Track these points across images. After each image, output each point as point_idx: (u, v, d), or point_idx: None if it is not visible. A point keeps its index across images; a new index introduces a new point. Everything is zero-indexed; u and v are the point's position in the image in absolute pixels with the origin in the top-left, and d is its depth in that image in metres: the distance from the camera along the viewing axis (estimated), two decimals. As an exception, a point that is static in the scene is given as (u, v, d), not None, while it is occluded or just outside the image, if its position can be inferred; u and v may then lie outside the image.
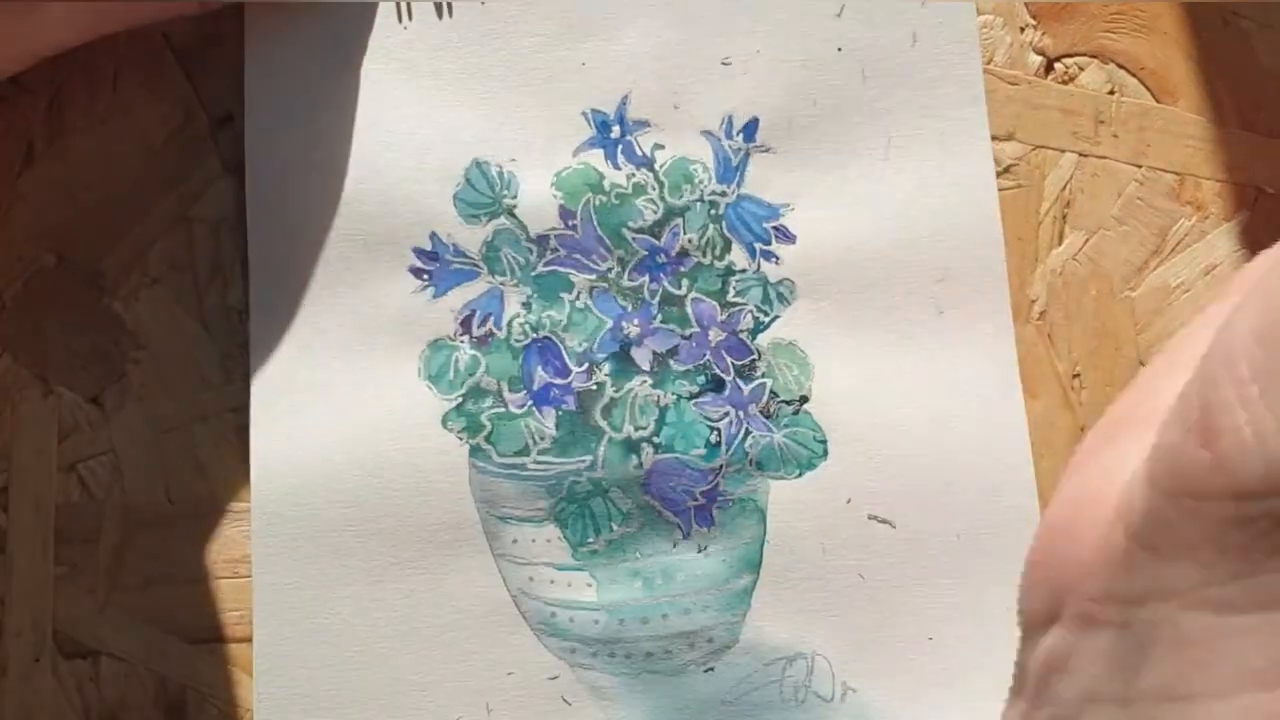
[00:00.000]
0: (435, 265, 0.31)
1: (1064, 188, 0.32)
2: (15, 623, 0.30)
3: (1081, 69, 0.32)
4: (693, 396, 0.30)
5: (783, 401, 0.30)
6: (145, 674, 0.30)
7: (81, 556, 0.30)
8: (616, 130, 0.32)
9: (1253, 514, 0.17)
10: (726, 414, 0.30)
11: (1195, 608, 0.18)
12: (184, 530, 0.30)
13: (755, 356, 0.31)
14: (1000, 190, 0.31)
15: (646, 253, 0.31)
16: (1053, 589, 0.24)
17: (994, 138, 0.32)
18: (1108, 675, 0.21)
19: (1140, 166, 0.32)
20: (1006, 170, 0.32)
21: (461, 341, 0.31)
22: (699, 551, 0.30)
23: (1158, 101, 0.32)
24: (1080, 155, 0.32)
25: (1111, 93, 0.32)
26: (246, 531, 0.30)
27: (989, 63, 0.32)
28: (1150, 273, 0.31)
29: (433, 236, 0.31)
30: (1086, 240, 0.31)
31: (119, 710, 0.30)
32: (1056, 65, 0.32)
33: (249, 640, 0.30)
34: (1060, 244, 0.31)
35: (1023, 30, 0.32)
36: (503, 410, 0.30)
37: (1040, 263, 0.31)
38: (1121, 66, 0.32)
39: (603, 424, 0.30)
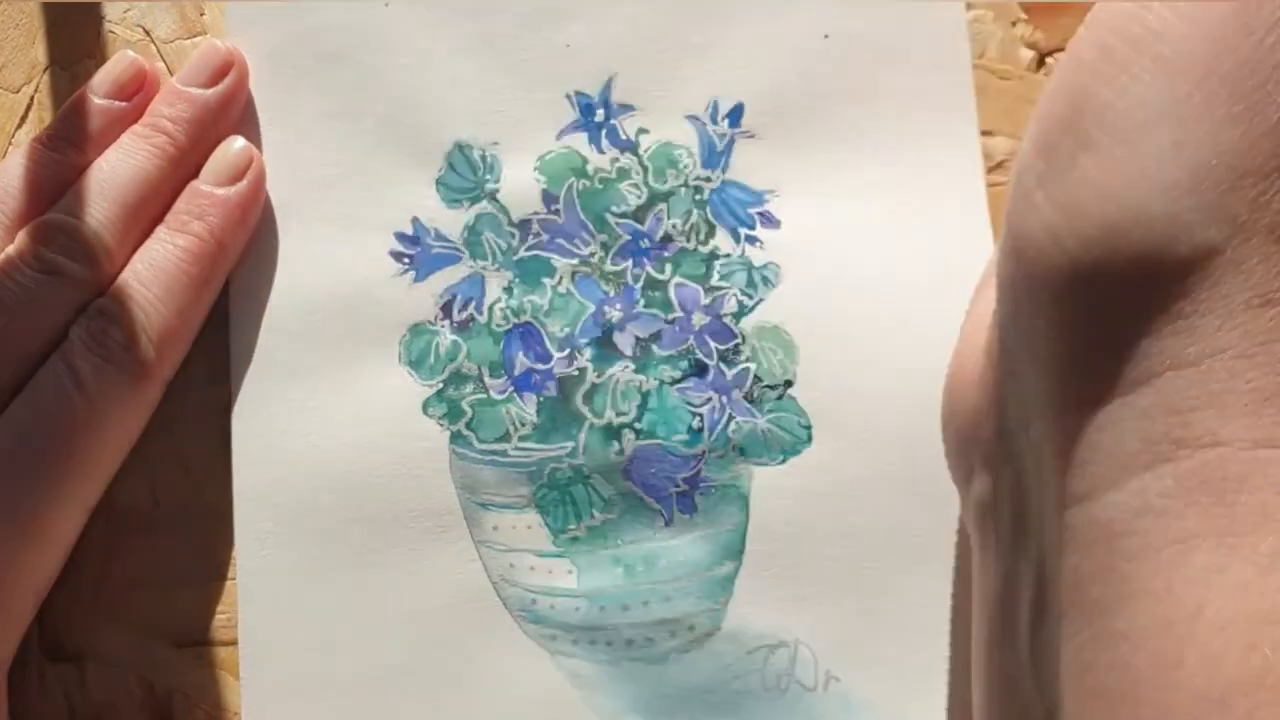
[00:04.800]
0: (416, 250, 0.31)
1: (1056, 183, 0.31)
2: (0, 627, 0.30)
3: (1073, 64, 0.32)
4: (675, 382, 0.30)
5: (766, 386, 0.30)
6: (132, 678, 0.30)
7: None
8: (601, 113, 0.31)
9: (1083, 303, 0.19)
10: (709, 399, 0.30)
11: (1062, 413, 0.20)
12: (170, 533, 0.30)
13: (739, 340, 0.30)
14: (992, 186, 0.31)
15: (630, 237, 0.31)
16: (962, 442, 0.25)
17: (986, 133, 0.31)
18: (1022, 506, 0.22)
19: (1132, 162, 0.32)
20: (998, 166, 0.31)
21: (442, 326, 0.30)
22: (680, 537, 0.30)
23: (1150, 96, 0.32)
24: (1072, 151, 0.32)
25: (1103, 87, 0.32)
26: (233, 534, 0.30)
27: (980, 57, 0.32)
28: (1142, 269, 0.31)
29: (414, 221, 0.31)
30: (1078, 236, 0.31)
31: (106, 714, 0.30)
32: (1048, 60, 0.32)
33: (236, 644, 0.30)
34: (1052, 240, 0.31)
35: (1014, 25, 0.32)
36: (484, 396, 0.30)
37: (1032, 259, 0.31)
38: (1113, 61, 0.32)
39: (584, 410, 0.30)
